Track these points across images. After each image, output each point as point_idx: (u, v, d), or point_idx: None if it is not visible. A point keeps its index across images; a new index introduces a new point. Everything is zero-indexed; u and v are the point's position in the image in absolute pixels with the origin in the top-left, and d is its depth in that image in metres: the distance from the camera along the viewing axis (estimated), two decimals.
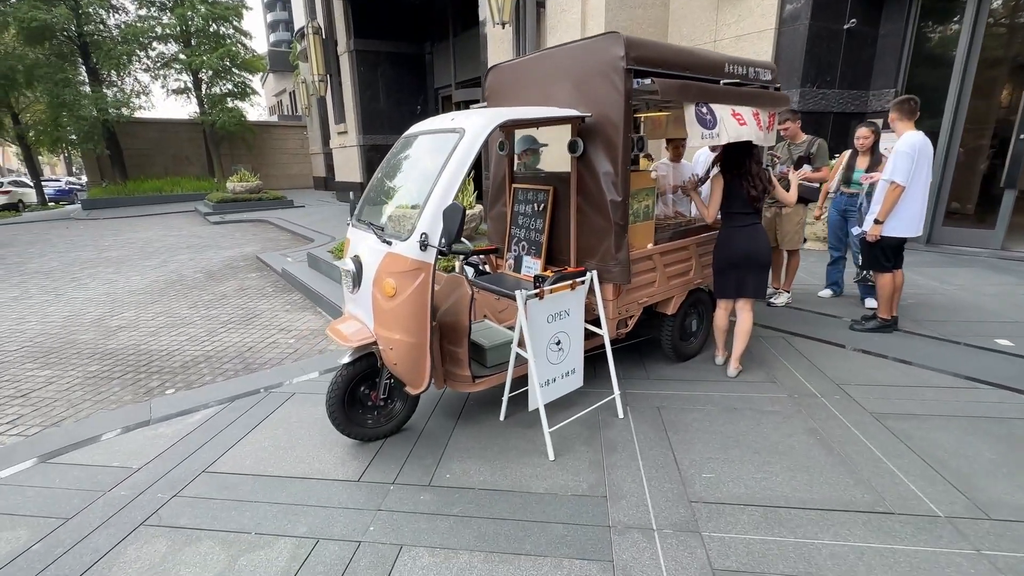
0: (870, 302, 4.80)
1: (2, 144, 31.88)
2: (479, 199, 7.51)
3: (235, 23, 23.74)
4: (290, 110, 32.57)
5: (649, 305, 3.55)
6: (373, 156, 15.11)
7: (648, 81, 2.89)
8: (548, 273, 2.97)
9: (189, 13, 21.64)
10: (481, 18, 9.57)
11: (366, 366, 2.85)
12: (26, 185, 23.74)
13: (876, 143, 4.64)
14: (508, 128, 3.69)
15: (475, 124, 2.65)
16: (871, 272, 4.43)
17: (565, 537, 2.18)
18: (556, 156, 3.51)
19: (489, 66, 3.90)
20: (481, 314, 3.73)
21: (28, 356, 4.85)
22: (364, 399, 2.93)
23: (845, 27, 6.93)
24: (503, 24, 8.38)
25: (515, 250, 3.72)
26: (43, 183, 25.14)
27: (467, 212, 6.51)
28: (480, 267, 3.79)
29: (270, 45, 41.06)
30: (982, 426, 2.87)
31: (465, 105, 11.09)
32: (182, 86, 24.17)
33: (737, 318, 3.57)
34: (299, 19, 20.70)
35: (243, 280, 7.67)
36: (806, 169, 4.64)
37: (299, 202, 17.84)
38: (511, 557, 2.08)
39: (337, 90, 16.56)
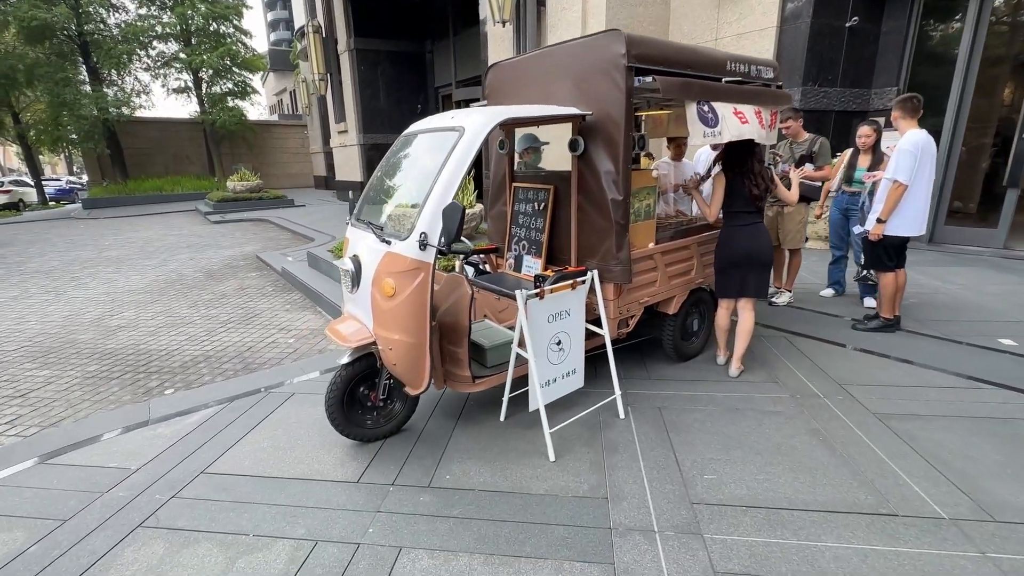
0: (869, 301, 4.78)
1: (3, 143, 31.90)
2: (479, 198, 7.49)
3: (235, 22, 23.70)
4: (290, 109, 32.55)
5: (650, 305, 3.53)
6: (373, 155, 15.09)
7: (649, 79, 2.86)
8: (549, 273, 2.95)
9: (189, 12, 21.59)
10: (481, 16, 9.55)
11: (365, 366, 2.83)
12: (27, 184, 23.74)
13: (878, 142, 4.62)
14: (508, 126, 3.66)
15: (475, 122, 2.63)
16: (872, 271, 4.41)
17: (566, 539, 2.16)
18: (557, 155, 3.49)
19: (489, 64, 3.87)
20: (481, 314, 3.71)
21: (27, 356, 4.83)
22: (363, 399, 2.91)
23: (847, 25, 6.90)
24: (503, 22, 8.35)
25: (515, 249, 3.70)
26: (44, 182, 25.15)
27: (467, 211, 6.50)
28: (480, 266, 3.77)
29: (270, 44, 41.02)
30: (986, 427, 2.85)
31: (465, 104, 11.06)
32: (182, 85, 24.15)
33: (739, 318, 3.55)
34: (299, 18, 20.69)
35: (243, 279, 7.65)
36: (808, 168, 4.62)
37: (299, 201, 17.83)
38: (511, 559, 2.07)
39: (337, 89, 16.55)
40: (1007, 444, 2.70)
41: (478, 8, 9.67)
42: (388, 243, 2.59)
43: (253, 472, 2.71)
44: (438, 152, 2.67)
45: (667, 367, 3.76)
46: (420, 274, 2.49)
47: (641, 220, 3.35)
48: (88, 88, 20.79)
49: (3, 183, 23.18)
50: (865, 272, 4.59)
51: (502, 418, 3.10)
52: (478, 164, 9.14)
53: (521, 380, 2.98)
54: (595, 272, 2.95)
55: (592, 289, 2.96)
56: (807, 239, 5.89)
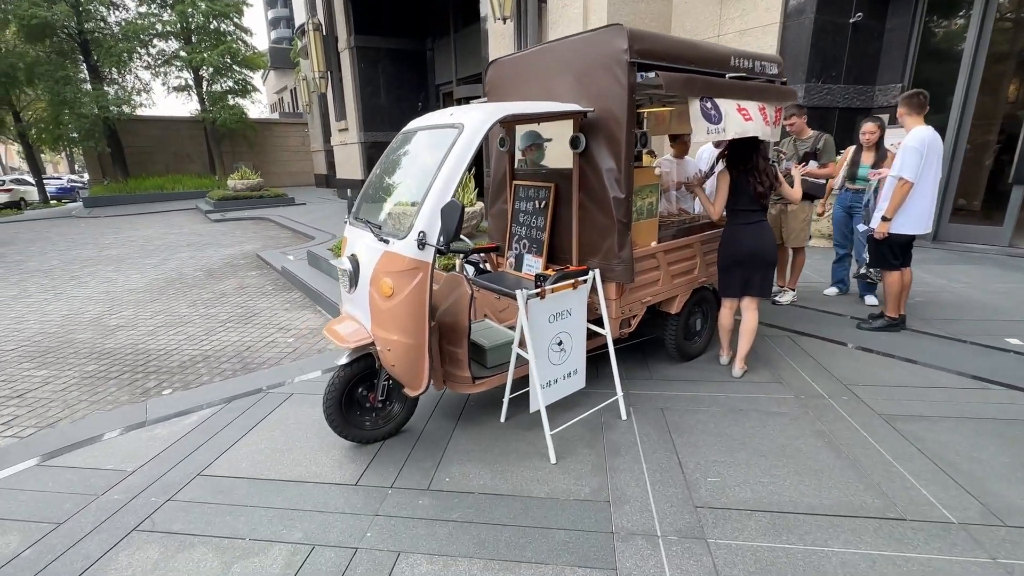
0: (870, 299, 4.74)
1: (4, 142, 31.89)
2: (480, 196, 7.44)
3: (236, 20, 23.65)
4: (291, 107, 32.50)
5: (652, 304, 3.48)
6: (374, 153, 15.04)
7: (652, 75, 2.82)
8: (550, 272, 2.90)
9: (190, 10, 21.56)
10: (482, 13, 9.49)
11: (364, 367, 2.79)
12: (28, 183, 23.73)
13: (881, 138, 4.57)
14: (508, 123, 3.62)
15: (474, 119, 2.59)
16: (873, 269, 4.35)
17: (567, 544, 2.12)
18: (558, 152, 3.44)
19: (489, 60, 3.83)
20: (482, 313, 3.67)
21: (25, 356, 4.81)
22: (362, 400, 2.87)
23: (851, 21, 6.83)
24: (504, 19, 8.31)
25: (516, 248, 3.66)
26: (45, 181, 25.14)
27: (467, 209, 6.47)
28: (480, 265, 3.72)
29: (271, 42, 40.91)
30: (994, 428, 2.81)
31: (466, 101, 11.00)
32: (183, 83, 24.11)
33: (742, 317, 3.51)
34: (300, 16, 20.61)
35: (243, 278, 7.62)
36: (812, 165, 4.57)
37: (300, 199, 17.80)
38: (511, 565, 2.03)
39: (338, 87, 16.49)
40: (1015, 446, 2.65)
41: (479, 5, 9.62)
42: (386, 242, 2.55)
43: (250, 474, 2.68)
44: (437, 149, 2.62)
45: (670, 367, 3.72)
46: (419, 274, 2.45)
47: (643, 218, 3.31)
48: (89, 86, 20.74)
49: (4, 182, 23.18)
50: (864, 270, 4.52)
51: (502, 419, 3.07)
52: (479, 162, 9.10)
53: (522, 381, 2.95)
54: (597, 271, 2.91)
55: (594, 288, 2.92)
56: (810, 237, 5.84)
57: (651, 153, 5.54)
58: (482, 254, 3.77)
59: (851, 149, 4.82)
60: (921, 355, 3.69)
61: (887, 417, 2.96)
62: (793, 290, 4.94)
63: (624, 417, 3.05)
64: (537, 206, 3.48)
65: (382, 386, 2.84)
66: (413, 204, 2.63)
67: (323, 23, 15.83)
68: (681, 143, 4.35)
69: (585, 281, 2.85)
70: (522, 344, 2.68)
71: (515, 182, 3.69)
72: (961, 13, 6.74)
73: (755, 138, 3.25)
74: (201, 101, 23.57)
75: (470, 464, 2.69)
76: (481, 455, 2.76)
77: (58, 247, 10.96)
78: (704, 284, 3.78)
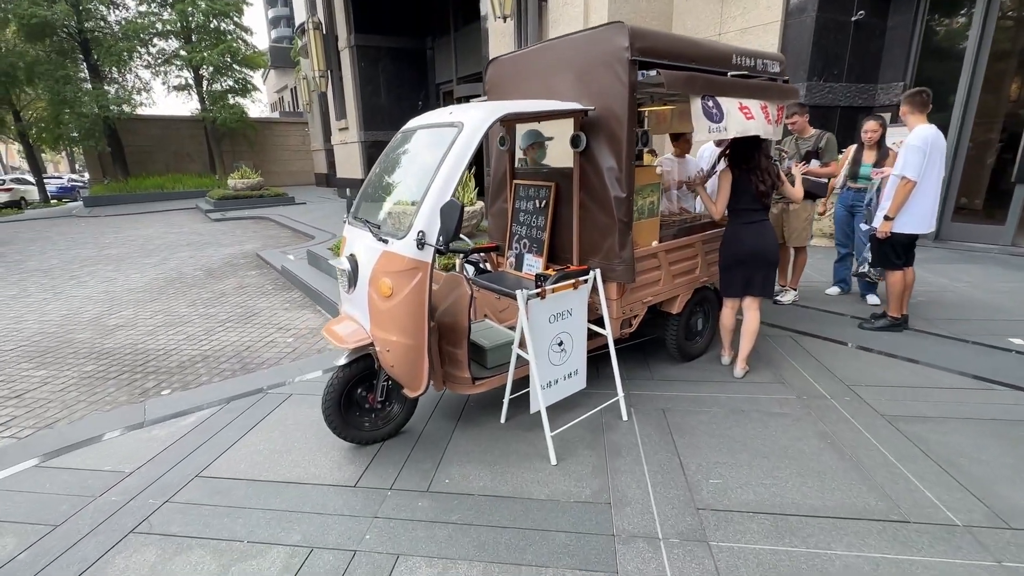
0: (871, 298, 4.72)
1: (5, 141, 31.88)
2: (480, 195, 7.42)
3: (236, 19, 23.64)
4: (292, 106, 32.47)
5: (653, 304, 3.46)
6: (374, 152, 15.01)
7: (653, 73, 2.79)
8: (550, 272, 2.88)
9: (189, 9, 21.57)
10: (482, 12, 9.47)
11: (363, 368, 2.77)
12: (28, 182, 23.73)
13: (883, 137, 4.54)
14: (509, 122, 3.60)
15: (474, 118, 2.57)
16: (873, 268, 4.32)
17: (568, 546, 2.10)
18: (558, 151, 3.42)
19: (489, 59, 3.80)
20: (482, 313, 3.65)
21: (24, 356, 4.79)
22: (361, 401, 2.85)
23: (853, 19, 6.79)
24: (504, 18, 8.29)
25: (516, 248, 3.63)
26: (45, 180, 25.13)
27: (468, 208, 6.45)
28: (480, 265, 3.70)
29: (271, 41, 40.87)
30: (999, 429, 2.78)
31: (467, 100, 10.98)
32: (183, 83, 24.10)
33: (744, 317, 3.48)
34: (300, 15, 20.57)
35: (243, 278, 7.60)
36: (814, 164, 4.54)
37: (300, 199, 17.78)
38: (511, 568, 2.01)
39: (338, 86, 16.47)
40: (1019, 447, 2.63)
41: (479, 4, 9.59)
42: (385, 242, 2.53)
43: (249, 476, 2.66)
44: (436, 148, 2.60)
45: (671, 367, 3.70)
46: (418, 274, 2.43)
47: (644, 218, 3.29)
48: (89, 86, 20.75)
49: (4, 181, 23.18)
50: (865, 268, 4.46)
51: (503, 420, 3.04)
52: (479, 161, 9.07)
53: (522, 381, 2.93)
54: (597, 271, 2.89)
55: (594, 288, 2.89)
56: (812, 236, 5.81)
57: (652, 152, 5.51)
58: (482, 253, 3.74)
59: (853, 148, 4.79)
60: (924, 355, 3.66)
61: (890, 418, 2.93)
62: (795, 289, 4.92)
63: (625, 418, 3.03)
64: (537, 205, 3.46)
65: (381, 387, 2.83)
66: (412, 203, 2.61)
67: (323, 22, 15.81)
68: (682, 142, 4.32)
69: (586, 281, 2.83)
70: (522, 344, 2.66)
71: (515, 181, 3.67)
72: (963, 11, 6.70)
73: (757, 136, 3.23)
74: (201, 100, 23.57)
75: (470, 465, 2.67)
76: (481, 456, 2.74)
77: (58, 246, 10.95)
78: (705, 284, 3.75)
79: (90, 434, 3.14)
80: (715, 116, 2.96)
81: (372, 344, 2.65)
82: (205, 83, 23.56)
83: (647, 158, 4.43)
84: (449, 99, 14.60)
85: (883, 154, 4.48)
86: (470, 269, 3.60)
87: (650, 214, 3.33)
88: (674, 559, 2.01)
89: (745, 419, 2.99)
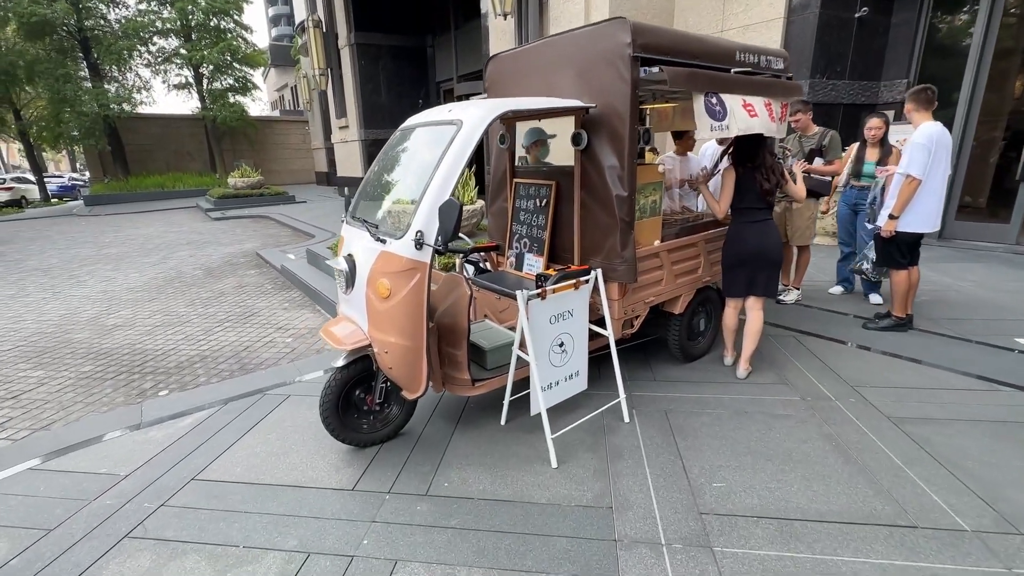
0: (874, 298, 4.67)
1: (5, 140, 31.87)
2: (480, 194, 7.38)
3: (236, 17, 23.58)
4: (292, 105, 32.42)
5: (655, 304, 3.42)
6: (375, 150, 14.93)
7: (656, 69, 2.75)
8: (551, 271, 2.84)
9: (189, 7, 21.51)
10: (483, 10, 9.41)
11: (361, 369, 2.73)
12: (29, 181, 23.71)
13: (886, 135, 4.49)
14: (509, 120, 3.56)
15: (473, 116, 2.52)
16: (869, 266, 4.27)
17: (569, 552, 2.06)
18: (559, 149, 3.37)
19: (489, 56, 3.76)
20: (482, 313, 3.61)
21: (22, 356, 4.76)
22: (359, 403, 2.82)
23: (856, 16, 6.74)
24: (505, 15, 8.23)
25: (517, 247, 3.59)
26: (46, 179, 25.11)
27: (468, 207, 6.41)
28: (480, 265, 3.66)
29: (272, 40, 40.83)
30: (1007, 431, 2.74)
31: (467, 98, 10.92)
32: (183, 81, 24.05)
33: (747, 317, 3.44)
34: (300, 13, 20.53)
35: (242, 277, 7.57)
36: (818, 162, 4.50)
37: (301, 197, 17.74)
38: (512, 574, 1.97)
39: (338, 84, 16.42)
40: None
41: (479, 1, 9.53)
42: (383, 242, 2.49)
43: (245, 479, 2.63)
44: (435, 147, 2.56)
45: (673, 368, 3.66)
46: (416, 274, 2.39)
47: (646, 217, 3.24)
48: (89, 84, 20.71)
49: (5, 180, 23.16)
50: (866, 265, 4.40)
51: (503, 422, 3.01)
52: (480, 159, 9.02)
53: (523, 383, 2.89)
54: (599, 271, 2.84)
55: (596, 289, 2.85)
56: (815, 235, 5.76)
57: (654, 150, 5.47)
58: (482, 253, 3.70)
59: (856, 145, 4.74)
60: (929, 355, 3.62)
61: (896, 420, 2.89)
62: (798, 289, 4.87)
63: (627, 420, 2.99)
64: (538, 204, 3.41)
65: (379, 388, 2.79)
66: (411, 202, 2.57)
67: (323, 20, 15.76)
68: (685, 140, 4.28)
69: (587, 281, 2.79)
70: (523, 345, 2.62)
71: (516, 180, 3.62)
72: (967, 8, 6.64)
73: (761, 134, 3.18)
74: (201, 99, 23.51)
75: (469, 468, 2.63)
76: (481, 459, 2.71)
77: (58, 246, 10.92)
78: (708, 284, 3.71)
79: (86, 436, 3.11)
80: (718, 114, 2.92)
81: (370, 345, 2.61)
82: (205, 81, 23.50)
83: (649, 156, 4.39)
84: (450, 97, 14.54)
85: (886, 152, 4.43)
86: (470, 269, 3.56)
87: (652, 213, 3.29)
88: (677, 565, 1.97)
89: (749, 421, 2.95)
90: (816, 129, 4.64)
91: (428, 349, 2.50)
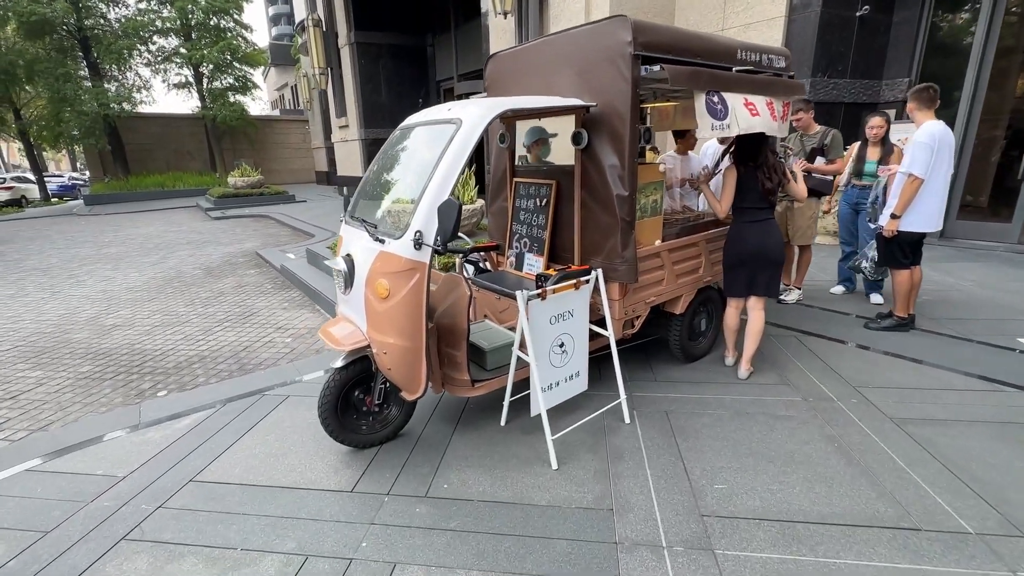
0: (875, 298, 4.66)
1: (5, 140, 31.85)
2: (480, 193, 7.36)
3: (236, 16, 23.55)
4: (292, 104, 32.39)
5: (656, 304, 3.40)
6: (375, 150, 14.87)
7: (657, 68, 2.73)
8: (551, 271, 2.82)
9: (189, 6, 21.48)
10: (483, 9, 9.39)
11: (360, 370, 2.72)
12: (29, 180, 23.70)
13: (887, 133, 4.47)
14: (509, 119, 3.54)
15: (472, 114, 2.50)
16: (867, 265, 4.24)
17: (569, 555, 2.04)
18: (559, 148, 3.35)
19: (489, 54, 3.74)
20: (481, 313, 3.60)
21: (20, 356, 4.75)
22: (358, 404, 2.80)
23: (858, 14, 6.71)
24: (505, 14, 8.21)
25: (517, 247, 3.57)
26: (46, 178, 25.09)
27: (468, 207, 6.39)
28: (480, 264, 3.64)
29: (272, 39, 40.84)
30: (1011, 432, 2.72)
31: (467, 97, 10.89)
32: (183, 80, 24.02)
33: (748, 317, 3.42)
34: (300, 12, 20.50)
35: (242, 277, 7.55)
36: (820, 161, 4.48)
37: (301, 197, 17.72)
38: None
39: (338, 83, 16.39)
40: None
41: (479, 0, 9.50)
42: (382, 242, 2.47)
43: (244, 480, 2.61)
44: (434, 146, 2.54)
45: (674, 368, 3.64)
46: (415, 275, 2.37)
47: (647, 216, 3.22)
48: (89, 84, 20.68)
49: (5, 179, 23.15)
50: (861, 262, 4.36)
51: (503, 423, 2.99)
52: (480, 158, 9.00)
53: (523, 383, 2.87)
54: (599, 271, 2.82)
55: (596, 289, 2.83)
56: (816, 235, 5.74)
57: (654, 149, 5.45)
58: (482, 253, 3.68)
59: (857, 144, 4.72)
60: (931, 356, 3.60)
61: (898, 421, 2.87)
62: (799, 288, 4.85)
63: (627, 420, 2.97)
64: (538, 204, 3.40)
65: (379, 389, 2.77)
66: (410, 202, 2.55)
67: (323, 19, 15.72)
68: (686, 139, 4.26)
69: (587, 281, 2.77)
70: (523, 346, 2.60)
71: (516, 179, 3.61)
72: (969, 6, 6.62)
73: (763, 133, 3.16)
74: (201, 98, 23.49)
75: (469, 470, 2.61)
76: (480, 460, 2.69)
77: (57, 245, 10.91)
78: (709, 284, 3.69)
79: (84, 437, 3.09)
80: (719, 113, 2.89)
81: (369, 346, 2.59)
82: (205, 81, 23.47)
83: (650, 155, 4.37)
84: (450, 96, 14.52)
85: (887, 150, 4.41)
86: (470, 268, 3.54)
87: (653, 213, 3.27)
88: (678, 568, 1.95)
89: (750, 422, 2.93)
90: (818, 128, 4.62)
91: (427, 350, 2.49)
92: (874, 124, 4.44)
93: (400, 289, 2.38)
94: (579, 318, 2.77)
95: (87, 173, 28.31)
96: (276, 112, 34.00)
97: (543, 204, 3.35)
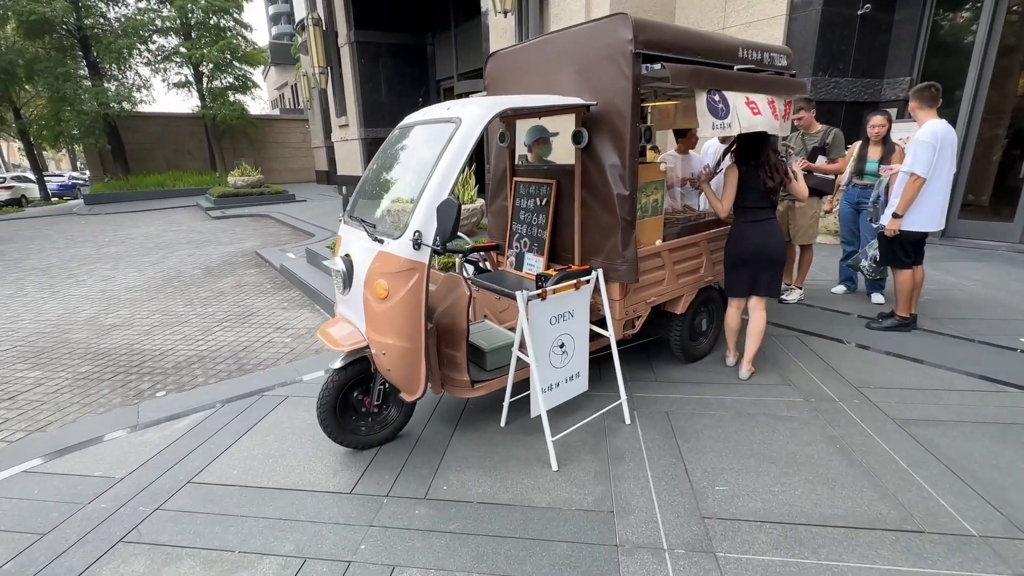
0: (876, 297, 4.64)
1: (5, 139, 31.83)
2: (480, 192, 7.34)
3: (235, 15, 23.53)
4: (292, 103, 32.37)
5: (657, 304, 3.38)
6: (375, 149, 14.80)
7: (658, 66, 2.71)
8: (551, 271, 2.80)
9: (189, 5, 21.46)
10: (483, 8, 9.37)
11: (359, 371, 2.70)
12: (29, 180, 23.68)
13: (889, 132, 4.45)
14: (509, 118, 3.52)
15: (472, 113, 2.49)
16: (865, 263, 4.22)
17: (569, 557, 2.03)
18: (559, 147, 3.33)
19: (489, 53, 3.72)
20: (481, 314, 3.58)
21: (19, 356, 4.73)
22: (357, 405, 2.78)
23: (859, 13, 6.69)
24: (505, 13, 8.19)
25: (517, 247, 3.56)
26: (46, 178, 25.07)
27: (468, 206, 6.37)
28: (480, 264, 3.62)
29: (272, 38, 40.83)
30: (1013, 433, 2.70)
31: (467, 97, 10.87)
32: (183, 79, 24.01)
33: (750, 317, 3.40)
34: (300, 11, 20.46)
35: (241, 276, 7.54)
36: (821, 160, 4.46)
37: (301, 196, 17.70)
38: None
39: (338, 83, 16.38)
40: None
41: None
42: (381, 242, 2.45)
43: (242, 482, 2.60)
44: (434, 145, 2.52)
45: (674, 369, 3.62)
46: (414, 275, 2.36)
47: (648, 216, 3.21)
48: (88, 83, 20.66)
49: (5, 179, 23.13)
50: (861, 261, 4.35)
51: (502, 424, 2.97)
52: (480, 157, 8.98)
53: (523, 384, 2.85)
54: (600, 271, 2.81)
55: (597, 289, 2.82)
56: (818, 234, 5.72)
57: (655, 148, 5.43)
58: (482, 253, 3.66)
59: (858, 144, 4.70)
60: (933, 356, 3.58)
61: (900, 421, 2.85)
62: (800, 288, 4.83)
63: (628, 421, 2.95)
64: (538, 203, 3.38)
65: (378, 390, 2.76)
66: (409, 201, 2.53)
67: (323, 18, 15.71)
68: (687, 138, 4.23)
69: (588, 281, 2.75)
70: (523, 346, 2.58)
71: (516, 178, 3.59)
72: (970, 5, 6.59)
73: (764, 132, 3.14)
74: (201, 97, 23.47)
75: (469, 471, 2.60)
76: (480, 462, 2.67)
77: (57, 245, 10.90)
78: (710, 283, 3.67)
79: (82, 437, 3.08)
80: (721, 111, 2.88)
81: (368, 347, 2.58)
82: (205, 80, 23.45)
83: (650, 154, 4.34)
84: (450, 95, 14.50)
85: (889, 150, 4.39)
86: (469, 268, 3.52)
87: (654, 212, 3.26)
88: (680, 571, 1.94)
89: (751, 422, 2.91)
90: (819, 127, 4.60)
91: (427, 350, 2.47)
92: (875, 123, 4.42)
93: (399, 289, 2.36)
94: (579, 318, 2.75)
95: (87, 172, 28.30)
96: (276, 111, 33.99)
97: (543, 203, 3.33)
